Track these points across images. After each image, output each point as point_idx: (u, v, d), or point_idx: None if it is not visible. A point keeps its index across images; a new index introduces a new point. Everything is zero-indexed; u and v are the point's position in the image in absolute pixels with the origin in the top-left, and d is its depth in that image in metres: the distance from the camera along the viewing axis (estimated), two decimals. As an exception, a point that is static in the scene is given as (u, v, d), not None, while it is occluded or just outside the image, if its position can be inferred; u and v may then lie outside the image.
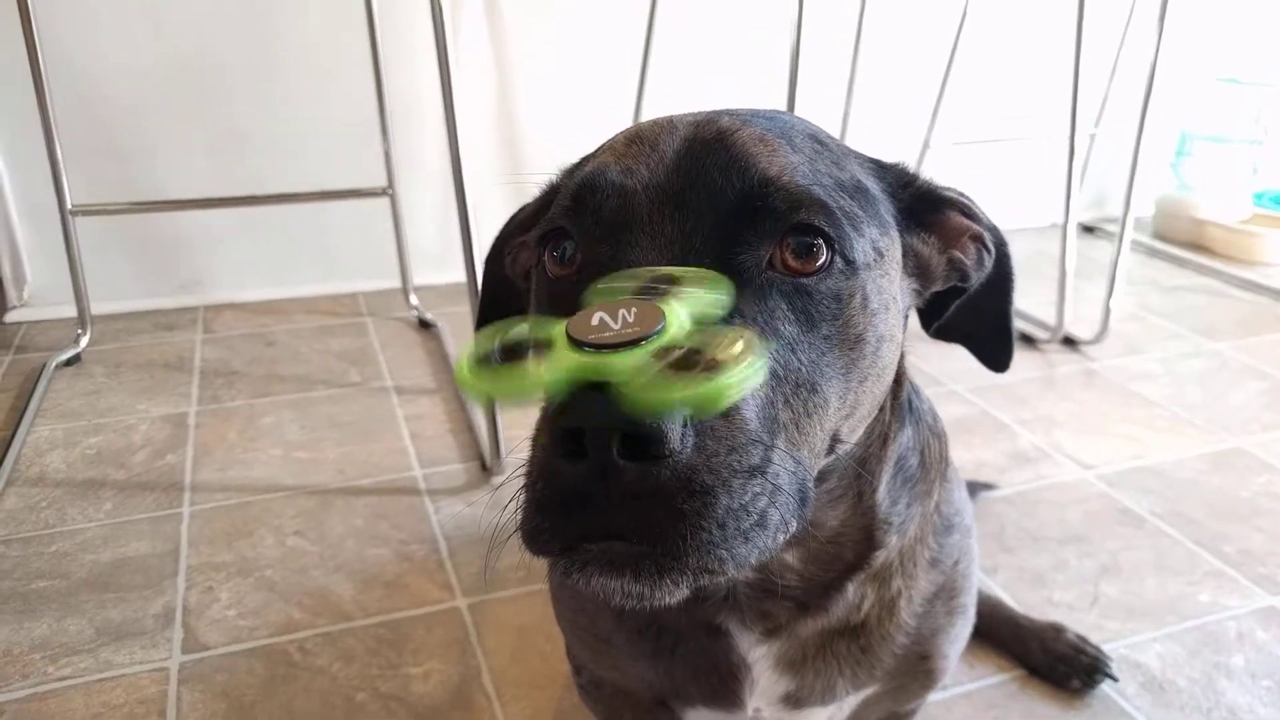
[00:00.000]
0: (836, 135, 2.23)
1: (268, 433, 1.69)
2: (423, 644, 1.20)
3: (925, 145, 2.48)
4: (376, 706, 1.11)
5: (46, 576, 1.32)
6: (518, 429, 1.58)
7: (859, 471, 0.61)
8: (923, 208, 0.59)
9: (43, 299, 2.11)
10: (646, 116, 2.27)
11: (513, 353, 0.42)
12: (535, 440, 0.43)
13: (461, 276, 1.53)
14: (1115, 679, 1.13)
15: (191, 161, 2.11)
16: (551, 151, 2.01)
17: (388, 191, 2.05)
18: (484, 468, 1.58)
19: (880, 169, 0.59)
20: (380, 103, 2.02)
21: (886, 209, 0.56)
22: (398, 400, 1.82)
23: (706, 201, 0.49)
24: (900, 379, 0.63)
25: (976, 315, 0.65)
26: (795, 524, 0.48)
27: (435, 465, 1.59)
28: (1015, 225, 2.91)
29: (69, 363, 1.92)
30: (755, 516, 0.43)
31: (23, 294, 2.11)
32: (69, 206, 1.81)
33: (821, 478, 0.58)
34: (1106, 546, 1.39)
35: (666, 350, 0.39)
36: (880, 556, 0.64)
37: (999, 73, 2.69)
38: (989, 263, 0.62)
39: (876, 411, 0.59)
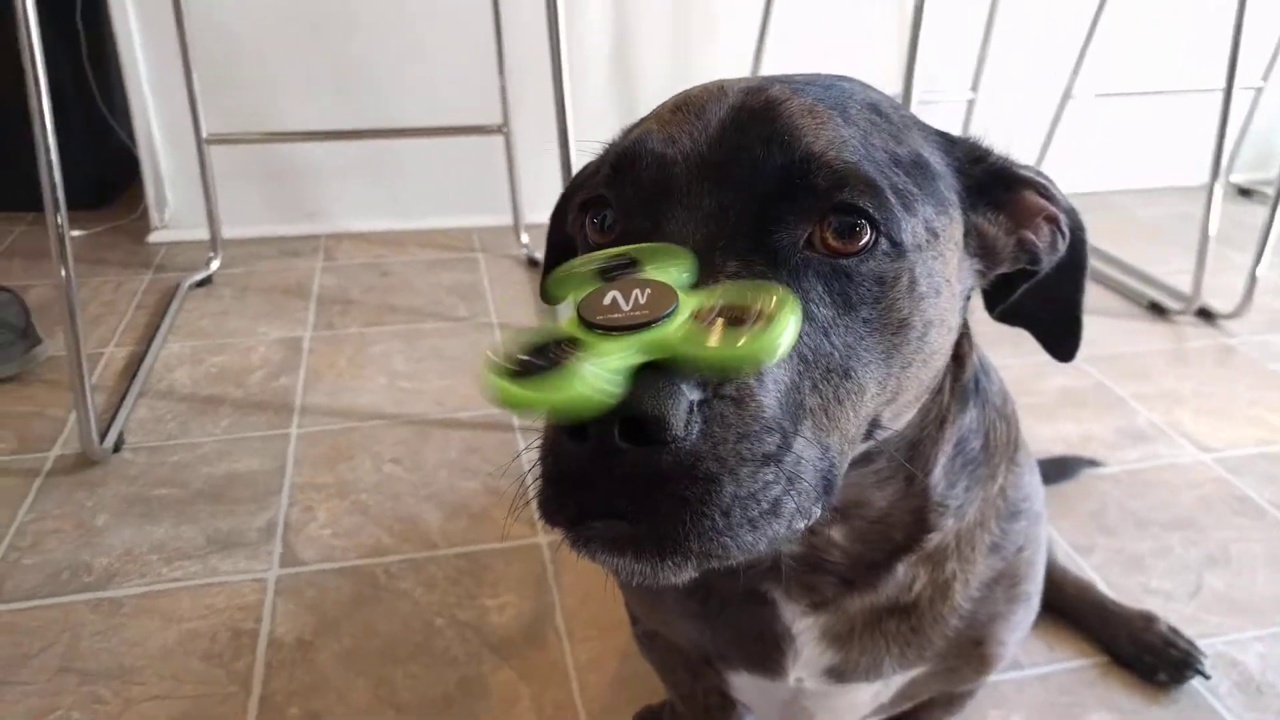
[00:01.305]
0: (969, 80, 2.12)
1: (375, 361, 1.76)
2: (502, 577, 1.25)
3: (1066, 95, 2.33)
4: (452, 633, 1.16)
5: (167, 485, 1.42)
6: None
7: (911, 454, 0.59)
8: (995, 185, 0.56)
9: (181, 222, 2.24)
10: (767, 64, 2.21)
11: (541, 355, 0.40)
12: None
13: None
14: (1207, 676, 1.07)
15: (318, 95, 2.18)
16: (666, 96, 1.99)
17: (503, 129, 2.07)
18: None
19: (948, 143, 0.56)
20: (498, 39, 2.03)
21: (949, 186, 0.53)
22: (502, 336, 1.86)
23: (747, 175, 0.47)
24: (962, 359, 0.60)
25: (1045, 301, 0.61)
26: (818, 510, 0.47)
27: (529, 403, 1.63)
28: (1159, 184, 2.72)
29: (201, 284, 2.04)
30: (765, 505, 0.42)
31: (164, 217, 2.25)
32: (204, 135, 1.91)
33: (868, 459, 0.57)
34: (1217, 536, 1.31)
35: (700, 314, 0.39)
36: (934, 539, 0.62)
37: (1153, 17, 2.49)
38: (1063, 246, 0.58)
39: (929, 395, 0.57)
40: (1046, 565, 1.15)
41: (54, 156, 1.30)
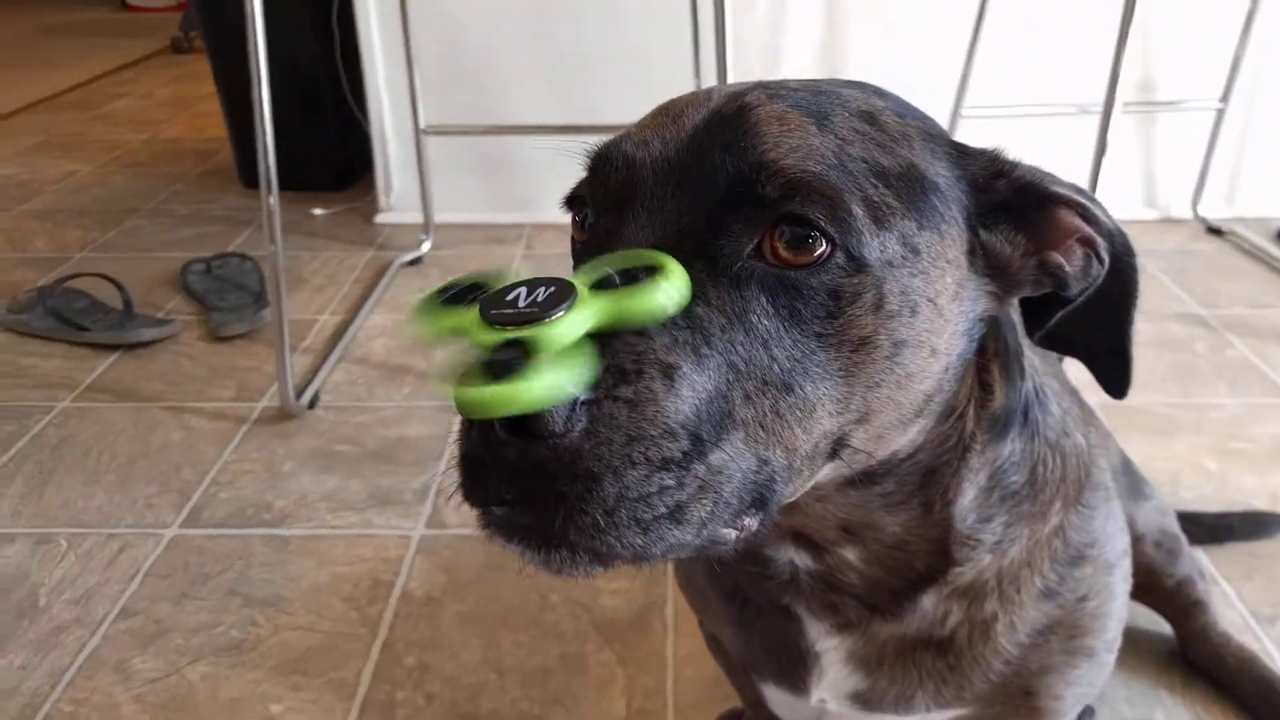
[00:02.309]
0: (1220, 87, 1.88)
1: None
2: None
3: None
4: (565, 610, 1.20)
5: (346, 441, 1.56)
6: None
7: (925, 480, 0.55)
8: (1023, 202, 0.51)
9: (404, 206, 2.44)
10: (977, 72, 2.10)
11: (461, 296, 0.44)
12: None
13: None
14: (1390, 784, 0.91)
15: (533, 89, 2.30)
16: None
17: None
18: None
19: (962, 155, 0.51)
20: (695, 39, 2.05)
21: (951, 200, 0.49)
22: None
23: (704, 181, 0.46)
24: (990, 386, 0.55)
25: (1092, 330, 0.55)
26: (752, 523, 0.45)
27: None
28: None
29: (412, 263, 2.22)
30: (662, 509, 0.41)
31: (390, 200, 2.46)
32: (421, 126, 2.07)
33: (871, 479, 0.54)
34: None
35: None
36: (965, 573, 0.58)
37: None
38: (1099, 272, 0.51)
39: (936, 420, 0.53)
40: (1207, 626, 1.04)
41: (269, 141, 1.47)
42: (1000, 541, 0.58)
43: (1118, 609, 0.64)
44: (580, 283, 0.41)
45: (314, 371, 1.74)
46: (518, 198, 2.42)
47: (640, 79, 2.23)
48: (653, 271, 0.41)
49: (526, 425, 0.39)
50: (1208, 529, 1.20)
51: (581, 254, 0.52)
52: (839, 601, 0.61)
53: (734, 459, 0.43)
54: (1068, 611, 0.61)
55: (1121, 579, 0.65)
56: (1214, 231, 2.30)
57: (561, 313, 0.39)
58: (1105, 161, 1.55)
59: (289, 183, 2.46)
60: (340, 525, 1.37)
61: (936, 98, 2.23)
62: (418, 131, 2.09)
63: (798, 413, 0.45)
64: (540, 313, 0.39)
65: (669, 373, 0.42)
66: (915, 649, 0.62)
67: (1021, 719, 0.65)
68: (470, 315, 0.41)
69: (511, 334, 0.39)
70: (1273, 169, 2.35)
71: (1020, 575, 0.59)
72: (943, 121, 2.11)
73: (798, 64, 2.26)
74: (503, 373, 0.37)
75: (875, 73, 2.25)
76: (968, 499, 0.56)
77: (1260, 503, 1.31)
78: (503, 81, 2.29)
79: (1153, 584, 1.01)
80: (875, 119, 0.49)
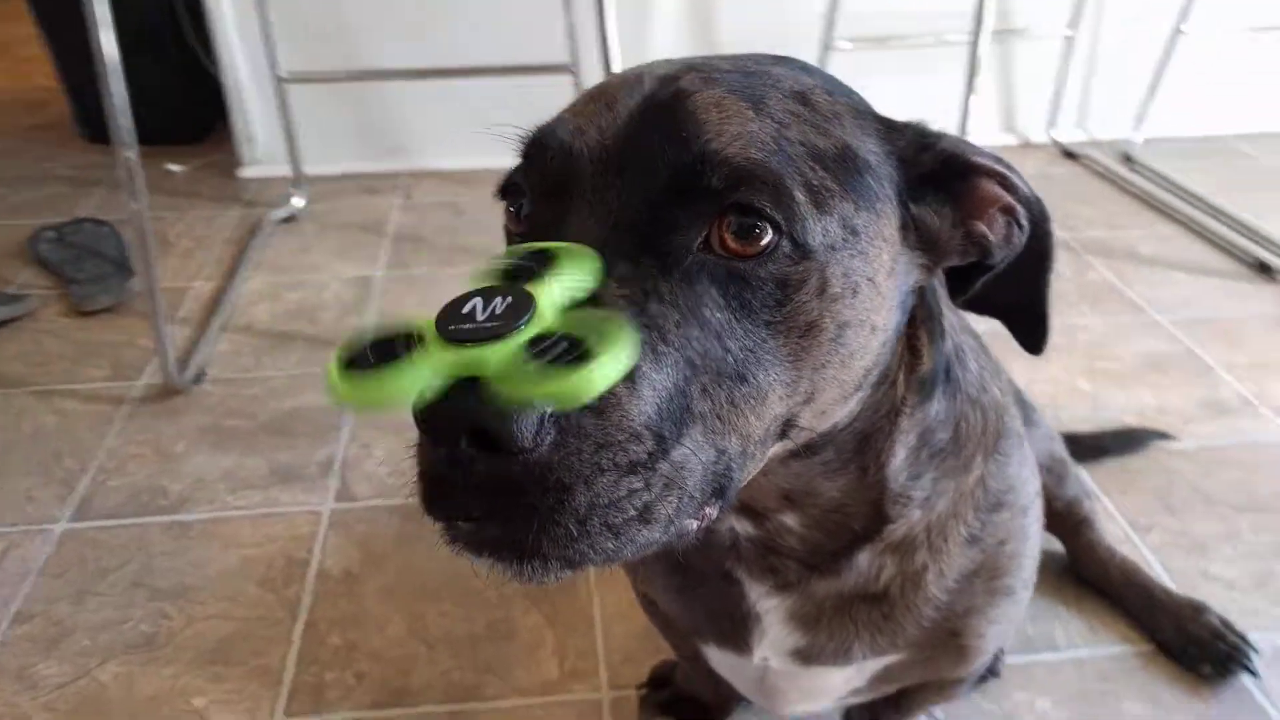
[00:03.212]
0: (1067, 15, 1.95)
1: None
2: (542, 523, 1.27)
3: (1176, 31, 2.15)
4: (490, 578, 1.19)
5: (238, 416, 1.50)
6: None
7: (861, 446, 0.57)
8: (947, 173, 0.52)
9: (271, 158, 2.31)
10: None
11: (387, 349, 0.40)
12: None
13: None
14: (1256, 674, 1.02)
15: (398, 34, 2.19)
16: (751, 45, 1.92)
17: (570, 69, 2.05)
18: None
19: (889, 130, 0.52)
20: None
21: (882, 178, 0.50)
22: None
23: (645, 172, 0.46)
24: (919, 351, 0.58)
25: (1011, 293, 0.58)
26: (713, 512, 0.46)
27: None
28: (1251, 128, 2.51)
29: (286, 220, 2.11)
30: (631, 512, 0.41)
31: (254, 153, 2.32)
32: (281, 74, 1.95)
33: (811, 450, 0.56)
34: (1294, 522, 1.23)
35: (537, 340, 0.38)
36: (897, 530, 0.61)
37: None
38: (1020, 239, 0.54)
39: (872, 390, 0.55)
40: (1093, 543, 1.12)
41: (121, 90, 1.35)
42: (930, 497, 0.61)
43: (1032, 548, 0.69)
44: (534, 289, 0.40)
45: (195, 344, 1.65)
46: (392, 145, 2.33)
47: (505, 19, 2.17)
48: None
49: (495, 441, 0.38)
50: (1086, 448, 1.29)
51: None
52: (779, 564, 0.63)
53: (694, 452, 0.44)
54: (989, 555, 0.65)
55: (1035, 519, 0.69)
56: (1069, 155, 2.43)
57: (522, 325, 0.38)
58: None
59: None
60: (244, 505, 1.32)
61: (805, 32, 2.24)
62: (277, 79, 1.97)
63: (752, 401, 0.46)
64: (501, 327, 0.38)
65: (630, 375, 0.41)
66: (852, 603, 0.64)
67: (949, 658, 0.69)
68: (431, 348, 0.39)
69: (473, 351, 0.38)
70: (1119, 93, 2.48)
71: (947, 526, 0.63)
72: (812, 55, 2.13)
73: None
74: (476, 394, 0.37)
75: (744, 8, 2.25)
76: (899, 459, 0.59)
77: (1130, 419, 1.42)
78: (364, 24, 2.18)
79: (1044, 507, 1.08)
80: (807, 99, 0.49)
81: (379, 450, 1.41)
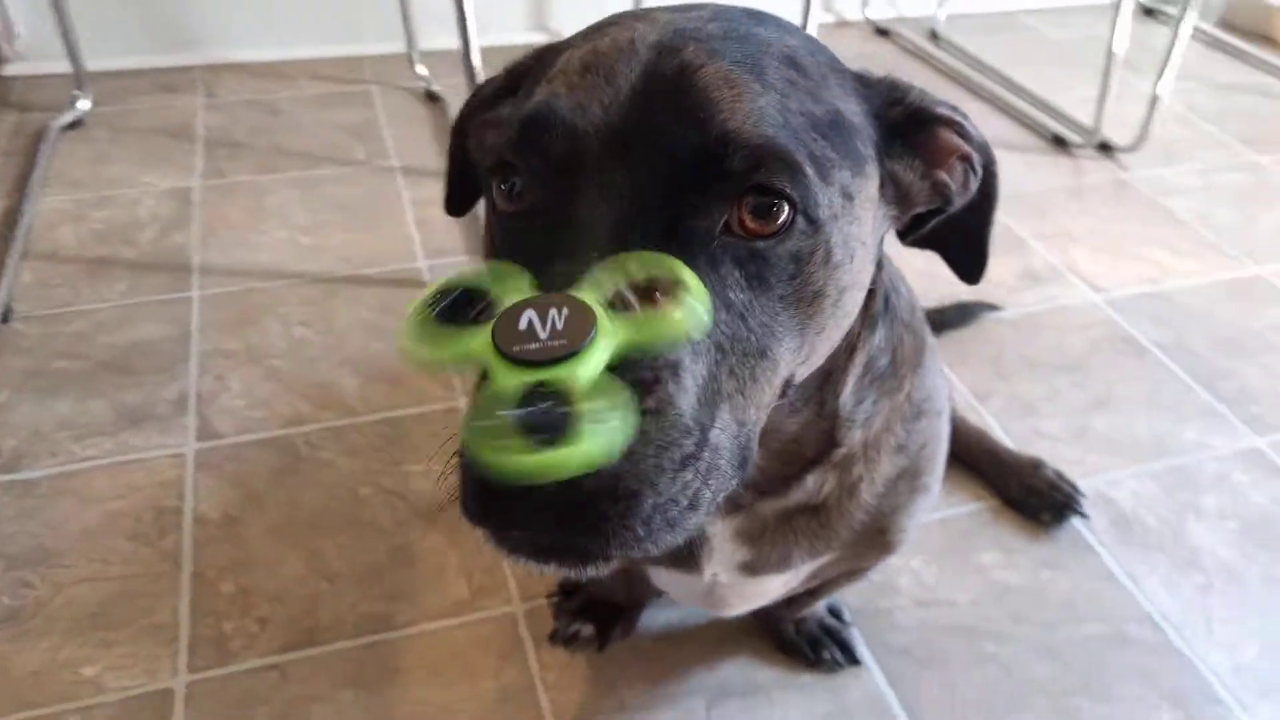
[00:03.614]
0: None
1: (273, 214, 1.68)
2: (424, 442, 1.26)
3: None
4: (379, 501, 1.18)
5: (66, 356, 1.36)
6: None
7: (822, 383, 0.61)
8: (911, 126, 0.54)
9: (41, 52, 2.03)
10: None
11: (464, 305, 0.40)
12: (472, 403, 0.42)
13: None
14: (1085, 516, 1.17)
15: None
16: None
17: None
18: (489, 262, 1.57)
19: (865, 87, 0.54)
20: None
21: (866, 138, 0.51)
22: (404, 182, 1.78)
23: (661, 152, 0.45)
24: (873, 291, 0.61)
25: (955, 231, 0.61)
26: (735, 483, 0.48)
27: (441, 256, 1.59)
28: (1069, 3, 2.69)
29: (72, 125, 1.88)
30: (685, 503, 0.43)
31: (15, 46, 2.03)
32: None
33: (783, 394, 0.58)
34: (1103, 377, 1.40)
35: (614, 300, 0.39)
36: (842, 452, 0.65)
37: None
38: (975, 184, 0.57)
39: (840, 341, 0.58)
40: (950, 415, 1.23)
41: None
42: (870, 417, 0.65)
43: (944, 447, 0.76)
44: (589, 297, 0.40)
45: (-6, 278, 1.47)
46: (187, 35, 2.10)
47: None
48: (668, 287, 0.40)
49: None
50: (931, 324, 1.40)
51: (512, 227, 0.49)
52: (734, 493, 0.66)
53: (723, 431, 0.45)
54: (912, 460, 0.71)
55: (946, 420, 0.76)
56: (881, 33, 2.51)
57: (587, 345, 0.38)
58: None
59: None
60: (93, 455, 1.22)
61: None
62: (46, -39, 1.71)
63: (769, 373, 0.48)
64: (566, 348, 0.37)
65: (676, 371, 0.42)
66: (793, 516, 0.69)
67: (874, 551, 0.76)
68: (480, 342, 0.39)
69: (540, 374, 0.37)
70: (923, -32, 2.56)
71: (881, 439, 0.68)
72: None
73: None
74: (547, 433, 0.36)
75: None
76: (849, 389, 0.63)
77: (961, 292, 1.54)
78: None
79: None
80: (797, 63, 0.49)
81: (234, 382, 1.34)
